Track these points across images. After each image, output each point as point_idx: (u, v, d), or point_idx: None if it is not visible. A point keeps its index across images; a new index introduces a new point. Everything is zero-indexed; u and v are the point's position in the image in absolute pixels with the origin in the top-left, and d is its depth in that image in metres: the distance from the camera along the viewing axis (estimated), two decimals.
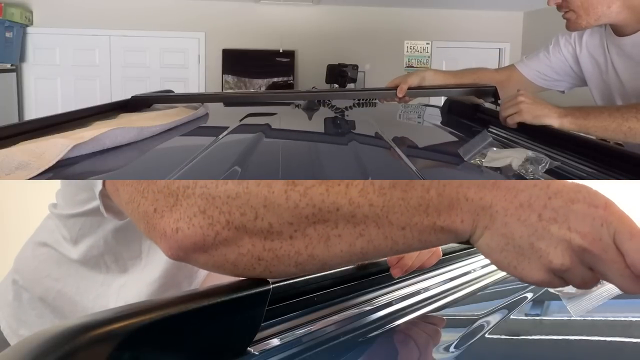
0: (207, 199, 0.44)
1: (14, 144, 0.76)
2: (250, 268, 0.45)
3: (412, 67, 5.07)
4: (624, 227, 0.40)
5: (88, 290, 0.80)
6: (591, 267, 0.41)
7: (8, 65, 4.77)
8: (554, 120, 0.99)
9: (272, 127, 1.13)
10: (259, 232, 0.44)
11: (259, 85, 5.36)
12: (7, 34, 4.57)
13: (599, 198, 0.41)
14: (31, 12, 4.97)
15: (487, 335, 0.64)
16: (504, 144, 0.97)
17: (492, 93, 1.31)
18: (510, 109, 1.03)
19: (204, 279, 0.84)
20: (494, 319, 0.70)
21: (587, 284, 0.42)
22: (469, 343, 0.61)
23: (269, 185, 0.43)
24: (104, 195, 0.58)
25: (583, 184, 0.42)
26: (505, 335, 0.68)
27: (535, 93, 1.31)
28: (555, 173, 0.75)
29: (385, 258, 0.72)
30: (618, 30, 1.17)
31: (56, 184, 0.84)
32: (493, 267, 0.56)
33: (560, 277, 0.42)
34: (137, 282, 0.78)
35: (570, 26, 1.17)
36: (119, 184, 0.52)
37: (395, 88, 1.30)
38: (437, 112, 1.60)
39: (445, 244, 0.46)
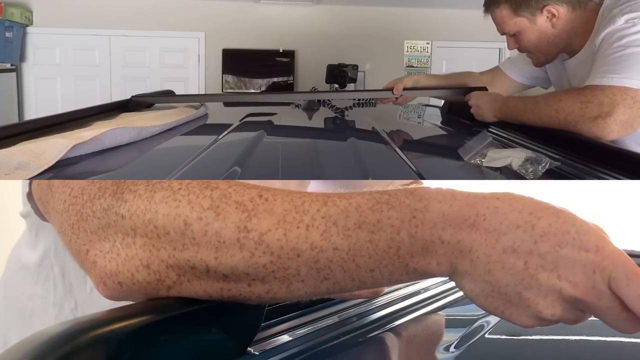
0: (150, 250, 0.40)
1: (14, 144, 0.76)
2: None
3: (412, 67, 5.07)
4: (618, 272, 0.37)
5: (47, 312, 0.66)
6: (584, 310, 0.39)
7: (8, 65, 4.76)
8: (492, 120, 1.19)
9: (272, 127, 1.13)
10: (214, 282, 0.41)
11: (259, 85, 5.36)
12: (7, 34, 4.57)
13: (590, 239, 0.37)
14: (31, 12, 4.96)
15: (487, 335, 0.64)
16: (504, 144, 0.97)
17: None
18: (472, 109, 1.25)
19: None
20: (494, 319, 0.70)
21: (579, 321, 0.40)
22: (469, 343, 0.61)
23: (218, 234, 0.39)
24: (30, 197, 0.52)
25: (572, 219, 0.38)
26: (505, 335, 0.68)
27: (520, 91, 1.47)
28: (555, 173, 0.75)
29: None
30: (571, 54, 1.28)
31: None
32: None
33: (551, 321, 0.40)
34: (91, 308, 0.62)
35: (536, 65, 1.32)
36: (50, 207, 0.47)
37: (391, 89, 1.40)
38: (437, 112, 1.60)
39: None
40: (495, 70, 1.51)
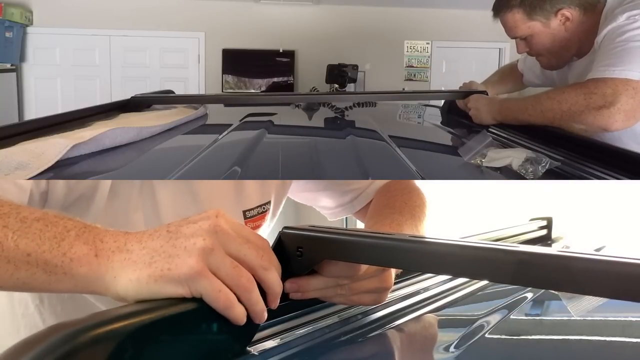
0: None
1: (14, 144, 0.76)
2: None
3: (412, 66, 5.07)
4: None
5: None
6: (228, 252, 0.45)
7: (8, 65, 4.77)
8: (491, 123, 1.17)
9: (273, 127, 1.13)
10: None
11: (259, 85, 5.36)
12: (7, 34, 4.57)
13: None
14: (31, 12, 4.97)
15: (487, 335, 0.64)
16: (504, 144, 0.97)
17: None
18: (470, 112, 1.24)
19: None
20: (494, 319, 0.70)
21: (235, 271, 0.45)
22: (469, 343, 0.61)
23: None
24: None
25: None
26: (505, 335, 0.68)
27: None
28: (555, 173, 0.75)
29: None
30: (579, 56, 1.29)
31: None
32: None
33: (212, 267, 0.44)
34: None
35: (546, 68, 1.32)
36: None
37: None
38: (437, 112, 1.60)
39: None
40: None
